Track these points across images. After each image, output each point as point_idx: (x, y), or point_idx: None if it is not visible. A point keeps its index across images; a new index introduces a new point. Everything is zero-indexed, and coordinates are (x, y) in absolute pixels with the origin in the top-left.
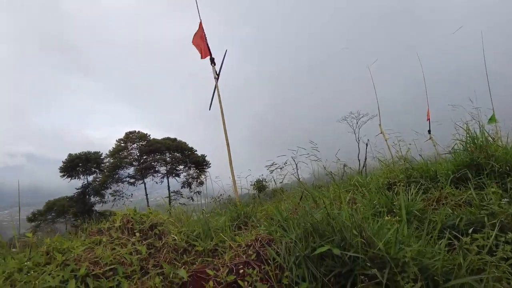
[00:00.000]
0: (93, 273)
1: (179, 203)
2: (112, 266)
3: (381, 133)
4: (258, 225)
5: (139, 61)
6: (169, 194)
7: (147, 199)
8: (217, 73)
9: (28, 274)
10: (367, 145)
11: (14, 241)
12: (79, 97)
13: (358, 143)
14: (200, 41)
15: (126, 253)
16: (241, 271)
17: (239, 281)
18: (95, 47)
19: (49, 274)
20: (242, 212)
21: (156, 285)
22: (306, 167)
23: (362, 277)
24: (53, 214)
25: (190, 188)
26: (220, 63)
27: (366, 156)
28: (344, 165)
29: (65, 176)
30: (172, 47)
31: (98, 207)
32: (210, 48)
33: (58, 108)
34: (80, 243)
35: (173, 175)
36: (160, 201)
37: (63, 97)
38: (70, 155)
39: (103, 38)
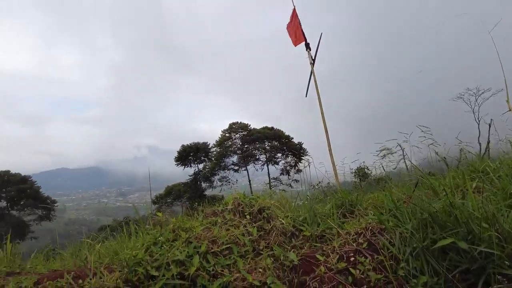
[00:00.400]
0: (212, 250)
1: (279, 189)
2: (228, 245)
3: (509, 110)
4: (366, 213)
5: (236, 56)
6: (269, 180)
7: (250, 185)
8: (313, 58)
9: (162, 247)
10: (489, 125)
11: (148, 219)
12: (187, 94)
13: (478, 124)
14: (295, 27)
15: (239, 234)
16: (352, 259)
17: (350, 269)
18: (196, 47)
19: (177, 249)
20: (346, 200)
21: (268, 266)
22: (418, 151)
23: (499, 277)
24: (171, 198)
25: (289, 175)
26: (316, 48)
27: (489, 138)
28: (461, 150)
29: (179, 165)
30: (268, 38)
31: (208, 192)
32: (304, 33)
33: (170, 105)
34: (199, 223)
35: (272, 162)
36: (262, 187)
37: (173, 95)
38: (182, 146)
39: (202, 37)
